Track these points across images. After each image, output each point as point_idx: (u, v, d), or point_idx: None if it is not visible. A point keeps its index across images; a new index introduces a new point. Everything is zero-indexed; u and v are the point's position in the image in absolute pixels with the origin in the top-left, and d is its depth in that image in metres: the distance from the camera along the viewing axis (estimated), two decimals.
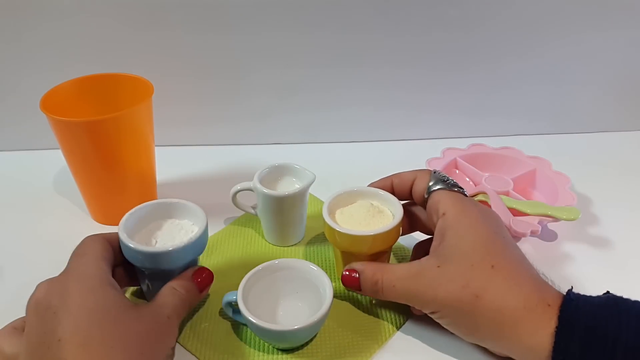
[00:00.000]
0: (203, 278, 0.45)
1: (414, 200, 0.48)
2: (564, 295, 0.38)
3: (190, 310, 0.44)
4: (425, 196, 0.45)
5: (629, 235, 0.59)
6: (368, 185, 0.51)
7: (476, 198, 0.61)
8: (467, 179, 0.66)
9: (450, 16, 0.68)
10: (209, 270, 0.46)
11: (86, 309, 0.36)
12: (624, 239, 0.58)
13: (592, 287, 0.52)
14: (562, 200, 0.59)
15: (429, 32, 0.69)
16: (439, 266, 0.40)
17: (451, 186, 0.45)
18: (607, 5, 0.68)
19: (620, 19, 0.70)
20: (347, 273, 0.45)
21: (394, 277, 0.42)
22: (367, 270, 0.44)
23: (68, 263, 0.41)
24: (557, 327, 0.35)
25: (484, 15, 0.68)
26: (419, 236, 0.57)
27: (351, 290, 0.46)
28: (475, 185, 0.65)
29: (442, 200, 0.43)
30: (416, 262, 0.42)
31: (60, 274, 0.40)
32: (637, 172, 0.71)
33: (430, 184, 0.45)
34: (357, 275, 0.44)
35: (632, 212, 0.63)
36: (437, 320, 0.42)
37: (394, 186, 0.49)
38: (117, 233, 0.44)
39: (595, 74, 0.75)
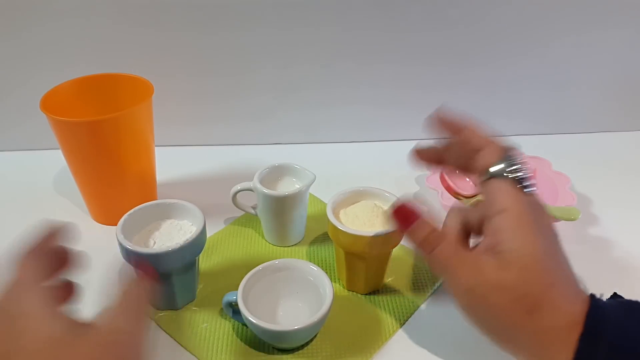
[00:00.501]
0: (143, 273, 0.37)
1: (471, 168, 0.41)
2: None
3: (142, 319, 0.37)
4: (485, 177, 0.39)
5: (629, 235, 0.59)
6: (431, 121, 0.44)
7: (476, 198, 0.61)
8: (467, 179, 0.66)
9: (451, 16, 0.68)
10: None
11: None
12: (624, 239, 0.58)
13: (591, 287, 0.52)
14: (562, 200, 0.58)
15: (430, 33, 0.69)
16: (498, 269, 0.36)
17: (518, 180, 0.38)
18: (607, 6, 0.68)
19: (620, 20, 0.70)
20: (405, 207, 0.39)
21: (450, 251, 0.38)
22: (428, 223, 0.39)
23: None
24: (581, 335, 0.33)
25: (484, 16, 0.68)
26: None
27: (399, 224, 0.40)
28: (476, 186, 0.65)
29: (503, 194, 0.38)
30: (475, 253, 0.38)
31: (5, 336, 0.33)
32: (637, 172, 0.71)
33: (497, 168, 0.38)
34: (416, 216, 0.38)
35: (632, 212, 0.63)
36: (467, 317, 0.38)
37: (451, 142, 0.41)
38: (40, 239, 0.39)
39: (595, 74, 0.75)
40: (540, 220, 0.37)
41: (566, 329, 0.35)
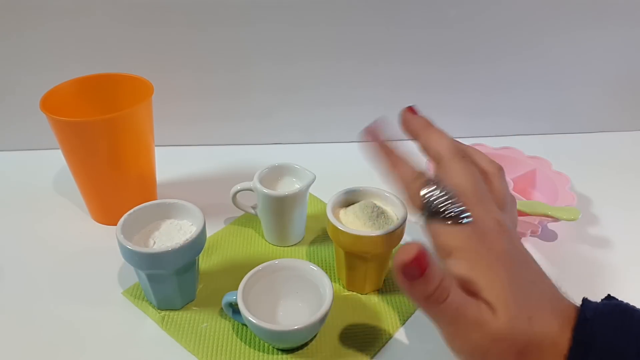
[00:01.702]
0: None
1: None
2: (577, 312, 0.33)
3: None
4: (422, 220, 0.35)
5: (629, 235, 0.59)
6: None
7: None
8: None
9: (451, 16, 0.68)
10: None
11: None
12: (624, 239, 0.58)
13: (592, 287, 0.52)
14: (562, 200, 0.59)
15: (430, 33, 0.69)
16: (492, 318, 0.32)
17: (450, 215, 0.34)
18: (607, 6, 0.68)
19: (620, 19, 0.70)
20: (420, 256, 0.31)
21: (460, 299, 0.32)
22: (440, 269, 0.32)
23: None
24: (570, 349, 0.31)
25: (484, 16, 0.68)
26: (418, 237, 0.57)
27: (412, 277, 0.31)
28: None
29: (444, 236, 0.34)
30: (471, 299, 0.32)
31: None
32: (637, 172, 0.71)
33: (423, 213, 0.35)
34: (428, 262, 0.31)
35: (632, 212, 0.63)
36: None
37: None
38: None
39: (595, 74, 0.75)
40: (492, 245, 0.33)
41: (553, 357, 0.32)
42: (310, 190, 0.55)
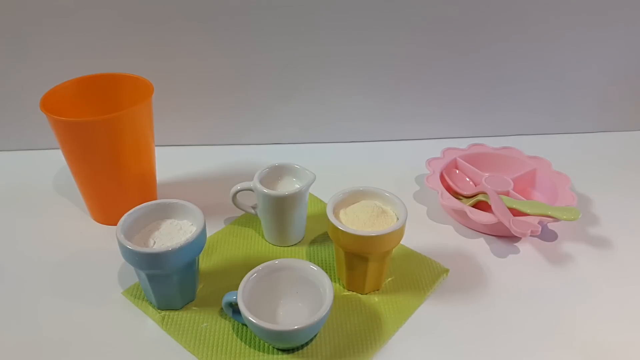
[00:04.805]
0: None
1: None
2: None
3: None
4: None
5: (629, 235, 0.59)
6: None
7: (476, 198, 0.61)
8: (467, 179, 0.66)
9: (451, 17, 0.68)
10: None
11: None
12: (624, 239, 0.58)
13: (592, 287, 0.52)
14: (562, 200, 0.59)
15: (430, 33, 0.69)
16: None
17: None
18: (607, 6, 0.68)
19: (620, 20, 0.70)
20: None
21: None
22: None
23: None
24: None
25: (484, 16, 0.68)
26: (418, 236, 0.57)
27: None
28: (475, 185, 0.65)
29: None
30: None
31: None
32: (637, 172, 0.71)
33: None
34: None
35: (632, 212, 0.63)
36: None
37: None
38: None
39: (595, 74, 0.75)
40: None
41: None
42: (310, 190, 0.55)
